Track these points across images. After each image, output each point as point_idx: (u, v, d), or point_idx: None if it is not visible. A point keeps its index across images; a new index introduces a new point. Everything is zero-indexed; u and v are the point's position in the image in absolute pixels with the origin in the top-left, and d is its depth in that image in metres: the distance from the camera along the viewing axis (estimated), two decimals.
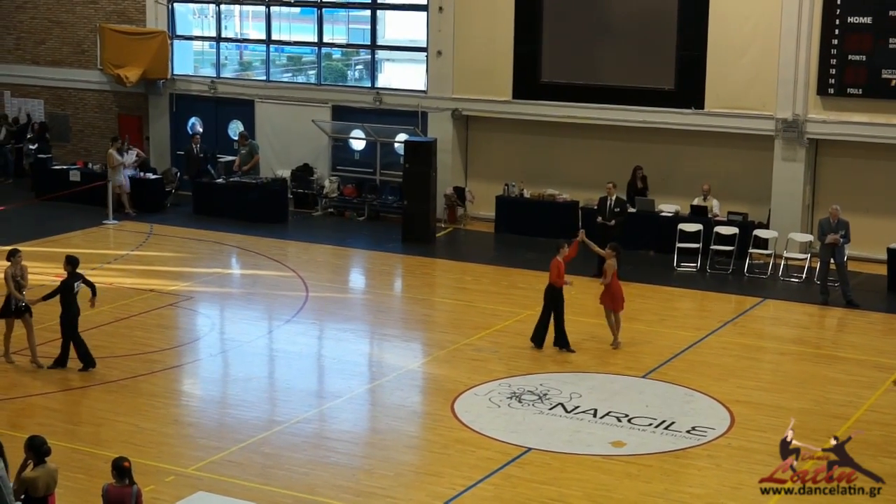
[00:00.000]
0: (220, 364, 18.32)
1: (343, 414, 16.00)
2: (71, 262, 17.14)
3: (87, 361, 17.21)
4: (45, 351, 17.40)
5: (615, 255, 18.79)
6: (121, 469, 10.71)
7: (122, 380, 16.92)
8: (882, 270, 23.11)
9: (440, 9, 27.64)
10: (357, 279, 24.71)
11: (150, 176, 29.07)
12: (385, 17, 29.83)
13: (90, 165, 29.95)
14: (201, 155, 29.10)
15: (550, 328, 18.56)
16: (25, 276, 17.33)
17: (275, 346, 19.15)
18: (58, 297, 17.04)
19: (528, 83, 27.00)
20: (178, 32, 31.44)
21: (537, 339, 18.59)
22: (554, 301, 18.46)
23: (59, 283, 17.16)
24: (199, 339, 19.38)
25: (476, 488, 13.50)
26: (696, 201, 24.98)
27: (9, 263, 17.29)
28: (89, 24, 31.78)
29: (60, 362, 17.25)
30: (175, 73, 31.17)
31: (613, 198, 23.21)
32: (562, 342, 18.53)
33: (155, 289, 21.80)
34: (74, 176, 29.14)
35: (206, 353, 18.64)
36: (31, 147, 31.56)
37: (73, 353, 17.12)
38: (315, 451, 14.53)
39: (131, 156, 28.56)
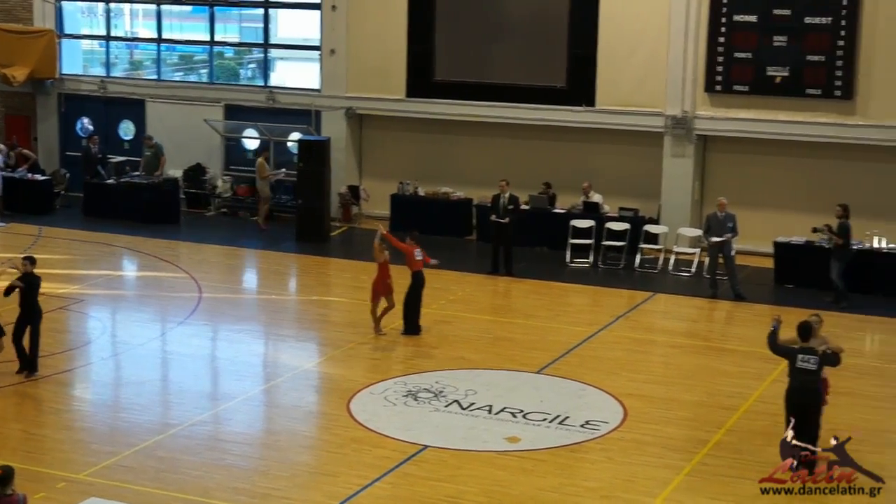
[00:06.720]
0: (112, 367, 18.08)
1: (238, 415, 15.88)
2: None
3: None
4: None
5: (382, 244, 19.22)
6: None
7: (11, 385, 16.60)
8: (769, 263, 23.56)
9: (333, 7, 27.59)
10: (251, 279, 24.55)
11: (39, 177, 28.54)
12: (278, 15, 29.66)
13: None
14: (99, 155, 28.65)
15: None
16: None
17: (168, 349, 18.93)
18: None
19: (421, 81, 27.09)
20: (67, 31, 30.96)
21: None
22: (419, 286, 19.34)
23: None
24: (91, 342, 19.09)
25: (372, 487, 13.50)
26: (581, 200, 25.23)
27: None
28: None
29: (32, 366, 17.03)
30: (63, 72, 30.70)
31: (506, 195, 23.34)
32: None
33: (44, 292, 21.29)
34: None
35: (98, 356, 18.38)
36: None
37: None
38: (210, 454, 14.41)
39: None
